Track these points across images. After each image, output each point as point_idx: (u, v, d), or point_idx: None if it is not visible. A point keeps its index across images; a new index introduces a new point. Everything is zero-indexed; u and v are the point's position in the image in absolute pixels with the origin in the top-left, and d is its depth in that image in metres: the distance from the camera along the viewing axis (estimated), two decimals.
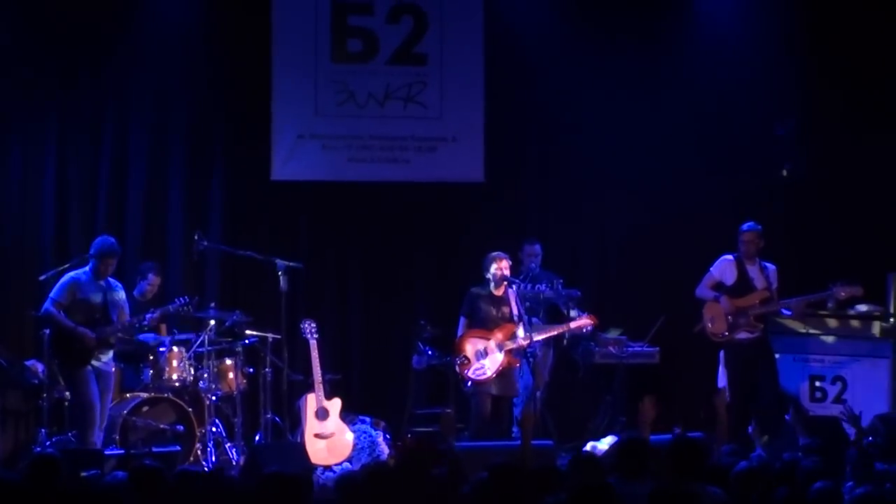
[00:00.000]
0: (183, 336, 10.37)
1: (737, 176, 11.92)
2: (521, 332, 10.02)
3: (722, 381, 10.55)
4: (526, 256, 11.21)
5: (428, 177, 11.91)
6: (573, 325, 10.40)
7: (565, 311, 10.86)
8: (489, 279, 10.12)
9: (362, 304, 11.90)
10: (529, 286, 10.88)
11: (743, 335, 10.33)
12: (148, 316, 9.80)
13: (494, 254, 10.15)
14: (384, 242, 11.91)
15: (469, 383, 9.96)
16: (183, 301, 9.93)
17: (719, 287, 10.47)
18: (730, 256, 10.49)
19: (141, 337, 10.28)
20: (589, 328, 10.48)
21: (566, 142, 12.06)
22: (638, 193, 12.02)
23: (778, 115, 11.89)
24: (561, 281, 10.95)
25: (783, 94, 12.07)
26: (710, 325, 10.41)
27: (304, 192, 11.82)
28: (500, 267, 10.07)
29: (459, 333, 10.14)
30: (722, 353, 10.56)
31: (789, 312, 10.54)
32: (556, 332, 10.55)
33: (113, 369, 9.70)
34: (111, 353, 9.64)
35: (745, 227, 10.48)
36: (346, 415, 10.28)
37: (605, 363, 11.11)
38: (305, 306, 11.11)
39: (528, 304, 10.59)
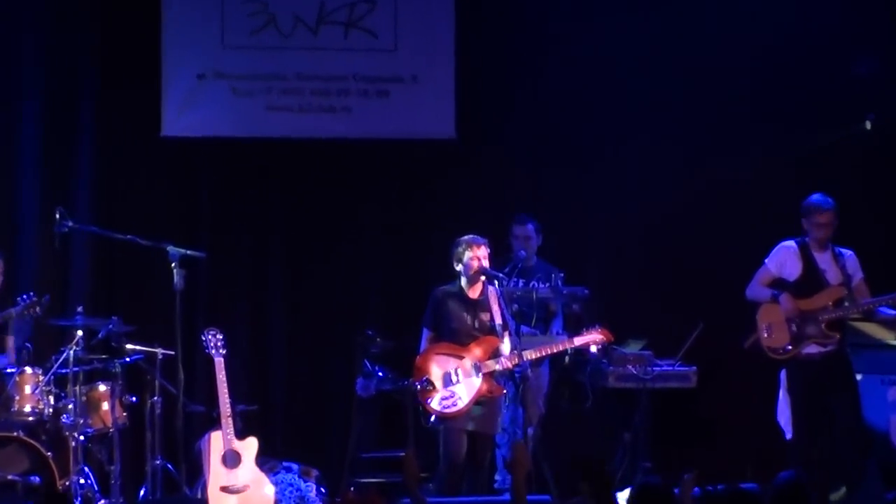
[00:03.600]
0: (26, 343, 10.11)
1: (804, 132, 11.47)
2: (506, 347, 9.41)
3: (783, 412, 10.10)
4: (515, 241, 10.76)
5: (378, 131, 11.46)
6: (578, 340, 9.83)
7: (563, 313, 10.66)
8: (461, 273, 9.56)
9: (288, 308, 11.47)
10: (520, 282, 10.58)
11: (812, 349, 9.81)
12: None
13: (468, 238, 9.56)
14: (317, 222, 11.45)
15: (433, 417, 9.41)
16: (28, 298, 9.55)
17: (779, 285, 9.95)
18: (791, 243, 9.96)
19: None
20: (600, 346, 10.03)
21: (567, 85, 11.56)
22: (666, 157, 11.51)
23: (859, 51, 11.54)
24: (562, 275, 10.58)
25: (865, 24, 11.60)
26: (766, 335, 9.88)
27: (206, 152, 11.36)
28: (475, 256, 9.48)
29: (422, 348, 9.61)
30: (783, 374, 10.07)
31: (894, 312, 9.96)
32: (555, 350, 9.97)
33: None
34: None
35: (813, 201, 9.86)
36: (264, 460, 9.85)
37: (623, 388, 10.72)
38: (209, 310, 10.90)
39: (516, 306, 10.23)
